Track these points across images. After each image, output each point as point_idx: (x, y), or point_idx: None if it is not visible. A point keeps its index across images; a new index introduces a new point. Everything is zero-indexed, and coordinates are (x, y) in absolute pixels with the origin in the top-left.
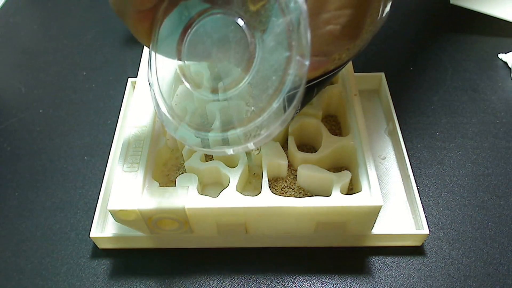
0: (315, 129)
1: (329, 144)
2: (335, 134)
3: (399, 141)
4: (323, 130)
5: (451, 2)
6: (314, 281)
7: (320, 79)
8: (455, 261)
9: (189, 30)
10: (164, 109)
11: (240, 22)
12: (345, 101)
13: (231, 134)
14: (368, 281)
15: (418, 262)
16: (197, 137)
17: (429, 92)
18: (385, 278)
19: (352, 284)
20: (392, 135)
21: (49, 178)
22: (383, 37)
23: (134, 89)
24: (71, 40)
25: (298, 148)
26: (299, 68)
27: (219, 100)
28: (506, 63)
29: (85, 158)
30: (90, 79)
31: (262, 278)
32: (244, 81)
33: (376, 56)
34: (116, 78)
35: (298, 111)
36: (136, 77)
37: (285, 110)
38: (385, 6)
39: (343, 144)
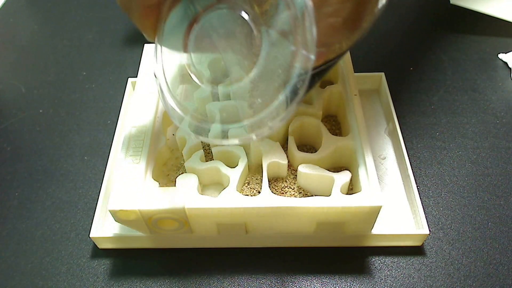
0: (315, 129)
1: (329, 144)
2: (335, 134)
3: (399, 141)
4: (323, 130)
5: (451, 2)
6: (314, 281)
7: (321, 68)
8: (455, 261)
9: (195, 25)
10: (170, 100)
11: (246, 16)
12: (345, 101)
13: (236, 126)
14: (368, 281)
15: (418, 262)
16: (202, 128)
17: (429, 92)
18: (385, 278)
19: (352, 284)
20: (392, 135)
21: (49, 178)
22: (383, 37)
23: (134, 89)
24: (71, 40)
25: (298, 148)
26: (304, 62)
27: (225, 94)
28: (506, 63)
29: (85, 158)
30: (90, 79)
31: (262, 278)
32: (250, 74)
33: (376, 56)
34: (116, 78)
35: (299, 101)
36: (136, 77)
37: (289, 103)
38: None
39: (343, 144)
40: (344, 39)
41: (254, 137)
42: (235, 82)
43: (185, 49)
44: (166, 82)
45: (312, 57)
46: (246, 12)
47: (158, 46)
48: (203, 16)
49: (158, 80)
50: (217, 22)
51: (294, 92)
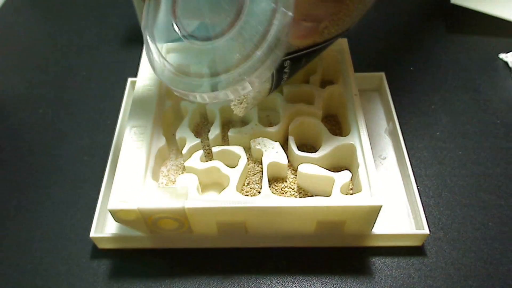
0: (315, 129)
1: (329, 144)
2: (335, 134)
3: (399, 141)
4: (323, 130)
5: (451, 2)
6: (314, 281)
7: (309, 49)
8: (455, 261)
9: None
10: (155, 53)
11: None
12: (345, 101)
13: (217, 80)
14: (368, 281)
15: (418, 262)
16: (182, 82)
17: (429, 92)
18: (385, 278)
19: (352, 284)
20: (392, 135)
21: (49, 178)
22: (383, 37)
23: (134, 89)
24: (71, 40)
25: (298, 148)
26: (283, 18)
27: (205, 49)
28: (506, 63)
29: (85, 158)
30: (90, 79)
31: (262, 278)
32: (231, 30)
33: (376, 56)
34: (116, 78)
35: (285, 79)
36: (136, 77)
37: (266, 60)
38: None
39: (343, 144)
40: (330, 14)
41: (230, 94)
42: (216, 37)
43: (173, 7)
44: (153, 36)
45: (290, 14)
46: None
47: (149, 4)
48: None
49: (145, 33)
50: None
51: (271, 49)
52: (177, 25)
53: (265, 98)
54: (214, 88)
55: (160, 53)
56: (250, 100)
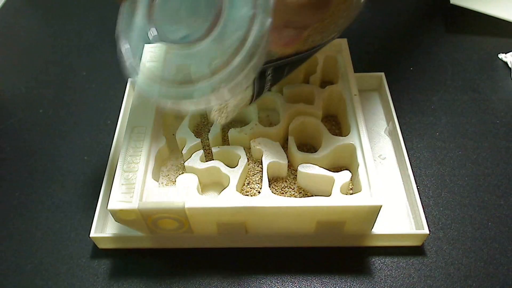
0: (315, 129)
1: (329, 144)
2: (335, 134)
3: (399, 141)
4: (323, 130)
5: (451, 2)
6: (314, 281)
7: (292, 58)
8: (455, 261)
9: None
10: (131, 61)
11: None
12: (345, 101)
13: (192, 87)
14: (368, 281)
15: (418, 262)
16: (158, 89)
17: (429, 92)
18: (385, 278)
19: (352, 284)
20: (392, 135)
21: (49, 178)
22: (383, 37)
23: (134, 89)
24: (71, 40)
25: (298, 148)
26: (262, 24)
27: (183, 55)
28: (506, 63)
29: (85, 158)
30: (90, 79)
31: (262, 278)
32: (209, 37)
33: (376, 56)
34: (116, 78)
35: (267, 88)
36: None
37: (245, 67)
38: None
39: (343, 144)
40: (313, 21)
41: (206, 102)
42: (194, 43)
43: (150, 12)
44: (129, 44)
45: (270, 20)
46: None
47: (125, 9)
48: None
49: (119, 40)
50: None
51: (251, 56)
52: (153, 29)
53: (246, 106)
54: (189, 96)
55: (137, 60)
56: (231, 108)
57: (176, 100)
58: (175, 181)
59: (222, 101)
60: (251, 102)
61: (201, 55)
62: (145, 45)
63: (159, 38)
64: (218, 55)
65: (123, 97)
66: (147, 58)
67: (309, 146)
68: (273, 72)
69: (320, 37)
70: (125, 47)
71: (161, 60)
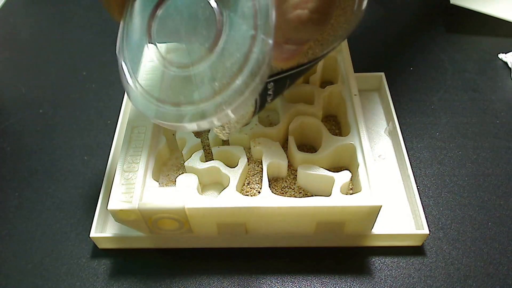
0: (315, 129)
1: (329, 144)
2: (335, 134)
3: (399, 141)
4: (323, 130)
5: (451, 2)
6: (314, 281)
7: (293, 71)
8: (455, 261)
9: (160, 5)
10: (129, 80)
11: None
12: (345, 101)
13: (193, 108)
14: (368, 281)
15: (418, 262)
16: (159, 110)
17: (429, 92)
18: (385, 278)
19: (352, 284)
20: (392, 135)
21: (49, 178)
22: (383, 37)
23: None
24: (71, 40)
25: (298, 148)
26: (263, 46)
27: (183, 76)
28: (506, 63)
29: (85, 158)
30: (90, 79)
31: (262, 278)
32: (210, 58)
33: (376, 56)
34: (116, 78)
35: (269, 101)
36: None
37: (247, 89)
38: (360, 3)
39: (343, 144)
40: (313, 36)
41: (216, 122)
42: (193, 64)
43: (149, 31)
44: (129, 64)
45: (271, 41)
46: None
47: (124, 26)
48: None
49: (120, 60)
50: (182, 4)
51: (252, 78)
52: (153, 48)
53: (249, 121)
54: (190, 118)
55: (135, 78)
56: (233, 124)
57: (176, 122)
58: (175, 181)
59: (225, 121)
60: (253, 116)
61: (201, 76)
62: (144, 63)
63: (159, 57)
64: (219, 75)
65: (123, 97)
66: (145, 77)
67: (309, 146)
68: (274, 86)
69: (320, 48)
70: (123, 65)
71: (159, 80)
